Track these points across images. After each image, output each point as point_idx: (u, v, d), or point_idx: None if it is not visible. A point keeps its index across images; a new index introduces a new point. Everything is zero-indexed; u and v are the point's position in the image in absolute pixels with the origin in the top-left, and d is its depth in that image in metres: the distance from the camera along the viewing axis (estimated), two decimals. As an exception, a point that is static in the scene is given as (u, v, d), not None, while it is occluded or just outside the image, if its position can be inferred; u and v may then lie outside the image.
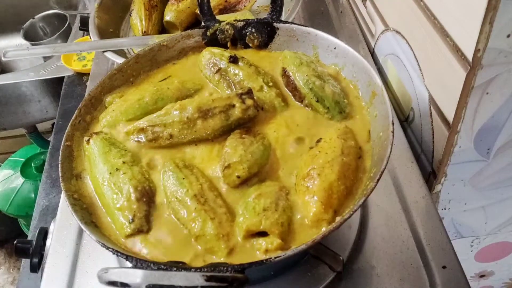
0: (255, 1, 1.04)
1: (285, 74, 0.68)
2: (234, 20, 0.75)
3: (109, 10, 1.07)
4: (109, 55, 0.90)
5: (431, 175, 0.79)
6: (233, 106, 0.61)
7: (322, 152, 0.57)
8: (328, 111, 0.64)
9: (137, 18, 1.02)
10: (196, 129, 0.60)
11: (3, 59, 0.89)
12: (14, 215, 1.62)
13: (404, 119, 0.88)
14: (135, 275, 0.42)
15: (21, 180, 1.62)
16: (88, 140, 0.61)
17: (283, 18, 0.76)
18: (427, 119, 0.77)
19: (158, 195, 0.57)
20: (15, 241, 0.71)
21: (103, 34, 1.00)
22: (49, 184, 0.90)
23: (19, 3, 1.66)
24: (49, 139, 1.22)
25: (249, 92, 0.62)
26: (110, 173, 0.57)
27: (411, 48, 0.79)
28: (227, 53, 0.71)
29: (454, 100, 0.66)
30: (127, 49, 0.98)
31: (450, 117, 0.69)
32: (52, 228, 0.73)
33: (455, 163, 0.74)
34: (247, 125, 0.63)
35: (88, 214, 0.55)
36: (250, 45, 0.75)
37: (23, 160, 1.67)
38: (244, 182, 0.56)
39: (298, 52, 0.71)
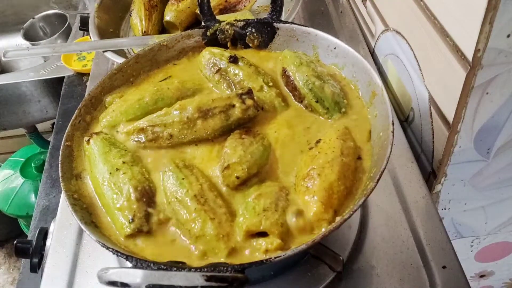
0: (255, 1, 1.04)
1: (285, 74, 0.68)
2: (234, 20, 0.75)
3: (109, 10, 1.07)
4: (109, 55, 0.90)
5: (431, 175, 0.79)
6: (233, 106, 0.61)
7: (321, 153, 0.57)
8: (327, 111, 0.64)
9: (137, 18, 1.02)
10: (196, 129, 0.60)
11: (3, 59, 0.89)
12: (14, 215, 1.62)
13: (404, 119, 0.88)
14: (135, 275, 0.42)
15: (21, 180, 1.62)
16: (88, 140, 0.61)
17: (283, 18, 0.76)
18: (427, 119, 0.77)
19: (158, 195, 0.57)
20: (15, 241, 0.71)
21: (103, 34, 1.00)
22: (49, 184, 0.90)
23: (19, 3, 1.66)
24: (49, 139, 1.22)
25: (249, 92, 0.62)
26: (110, 173, 0.57)
27: (411, 48, 0.79)
28: (227, 53, 0.71)
29: (454, 100, 0.66)
30: (127, 49, 0.98)
31: (450, 117, 0.69)
32: (52, 228, 0.73)
33: (455, 163, 0.74)
34: (247, 125, 0.63)
35: (88, 214, 0.55)
36: (250, 45, 0.75)
37: (23, 160, 1.67)
38: (244, 183, 0.56)
39: (298, 52, 0.71)
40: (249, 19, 0.75)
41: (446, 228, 0.68)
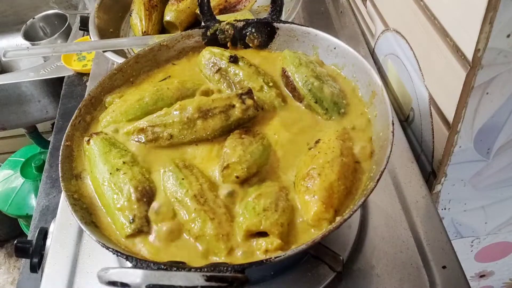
0: (255, 1, 1.04)
1: (284, 74, 0.68)
2: (234, 20, 0.75)
3: (109, 10, 1.07)
4: (109, 55, 0.90)
5: (431, 175, 0.80)
6: (233, 106, 0.61)
7: (321, 153, 0.57)
8: (326, 112, 0.64)
9: (137, 18, 1.02)
10: (196, 129, 0.60)
11: (3, 59, 0.89)
12: (14, 215, 1.62)
13: (404, 119, 0.88)
14: (135, 275, 0.42)
15: (21, 180, 1.62)
16: (88, 140, 0.61)
17: (283, 18, 0.76)
18: (427, 119, 0.77)
19: (158, 195, 0.57)
20: (15, 241, 0.71)
21: (103, 34, 1.00)
22: (49, 184, 0.90)
23: (19, 3, 1.66)
24: (49, 139, 1.22)
25: (249, 92, 0.62)
26: (111, 173, 0.57)
27: (411, 48, 0.79)
28: (227, 53, 0.71)
29: (454, 100, 0.66)
30: (127, 49, 0.98)
31: (450, 117, 0.69)
32: (52, 228, 0.73)
33: (455, 163, 0.74)
34: (247, 125, 0.63)
35: (88, 214, 0.55)
36: (250, 45, 0.75)
37: (23, 160, 1.67)
38: (244, 183, 0.56)
39: (298, 52, 0.71)
40: (249, 19, 0.75)
41: (446, 228, 0.68)
